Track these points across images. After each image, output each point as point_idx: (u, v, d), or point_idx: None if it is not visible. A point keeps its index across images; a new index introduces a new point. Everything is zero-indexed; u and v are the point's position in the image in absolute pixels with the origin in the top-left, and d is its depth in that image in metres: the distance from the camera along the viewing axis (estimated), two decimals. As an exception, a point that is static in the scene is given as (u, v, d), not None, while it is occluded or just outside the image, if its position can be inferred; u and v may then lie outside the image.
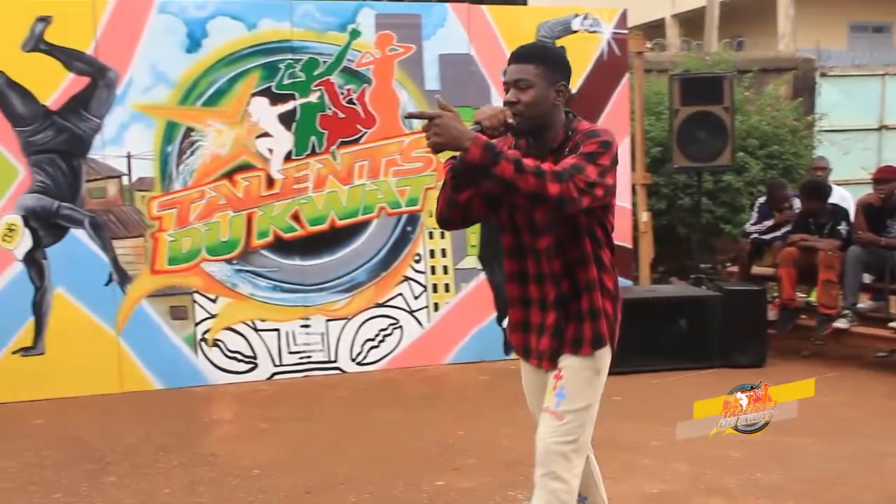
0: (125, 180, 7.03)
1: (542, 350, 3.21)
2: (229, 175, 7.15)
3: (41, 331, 6.93)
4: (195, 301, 7.17)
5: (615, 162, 3.04)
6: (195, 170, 7.10)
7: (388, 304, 7.56)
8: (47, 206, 6.88)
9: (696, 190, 9.06)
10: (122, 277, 7.02)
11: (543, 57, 3.15)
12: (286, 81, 7.24)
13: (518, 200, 2.92)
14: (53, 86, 6.83)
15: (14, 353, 6.93)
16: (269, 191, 7.23)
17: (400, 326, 7.59)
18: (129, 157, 7.00)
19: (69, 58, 6.86)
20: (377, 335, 7.56)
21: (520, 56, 3.15)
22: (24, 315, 6.92)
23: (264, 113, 7.20)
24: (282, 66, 7.23)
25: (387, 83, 7.48)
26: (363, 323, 7.50)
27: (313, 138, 7.31)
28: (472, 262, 7.74)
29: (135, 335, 7.06)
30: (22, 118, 6.80)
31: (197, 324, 7.17)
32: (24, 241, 6.86)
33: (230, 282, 7.20)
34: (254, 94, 7.18)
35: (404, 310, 7.59)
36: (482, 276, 7.74)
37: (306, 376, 7.38)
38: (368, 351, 7.54)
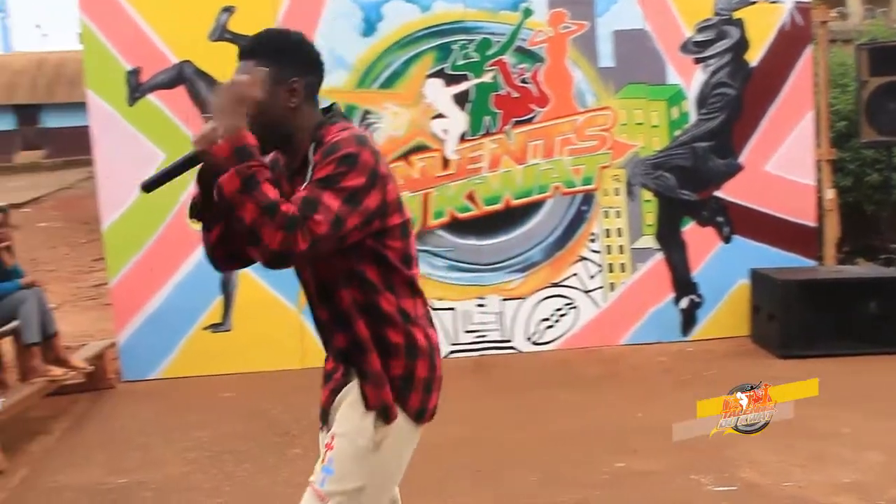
0: (307, 163, 7.22)
1: (322, 404, 2.62)
2: (405, 156, 7.26)
3: (229, 308, 7.25)
4: (373, 280, 7.30)
5: (375, 175, 2.34)
6: (372, 152, 7.22)
7: (563, 283, 7.52)
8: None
9: (885, 165, 8.61)
10: (303, 256, 7.22)
11: (266, 49, 2.48)
12: (460, 62, 7.28)
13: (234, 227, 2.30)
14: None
15: (204, 329, 7.28)
16: (444, 171, 7.30)
17: (575, 306, 7.54)
18: (309, 140, 7.19)
19: (252, 45, 7.09)
20: (552, 315, 7.53)
21: (241, 51, 2.52)
22: (212, 293, 7.24)
23: (439, 94, 7.26)
24: (455, 47, 7.27)
25: (560, 61, 7.41)
26: (538, 303, 7.49)
27: (487, 118, 7.33)
28: (648, 241, 7.59)
29: (316, 313, 7.26)
30: (208, 104, 7.09)
31: (375, 302, 7.31)
32: (213, 223, 7.15)
33: (406, 261, 7.30)
34: (428, 76, 7.26)
35: (579, 290, 7.54)
36: (659, 255, 7.59)
37: (482, 355, 7.43)
38: (544, 331, 7.52)
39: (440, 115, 7.29)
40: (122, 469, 5.42)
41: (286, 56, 2.48)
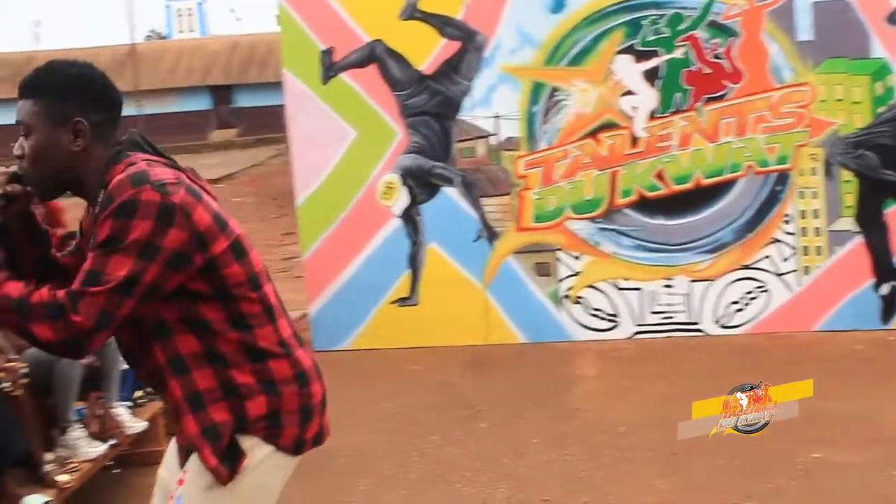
0: (493, 140, 7.28)
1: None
2: (593, 134, 7.18)
3: (416, 283, 7.38)
4: (558, 258, 7.30)
5: (163, 216, 2.09)
6: (560, 129, 7.19)
7: (754, 266, 7.27)
8: (422, 165, 7.28)
9: None
10: (490, 234, 7.29)
11: (44, 87, 2.24)
12: (650, 38, 7.12)
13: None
14: (428, 51, 7.19)
15: (392, 303, 7.44)
16: (632, 149, 7.18)
17: (767, 290, 7.28)
18: (496, 117, 7.23)
19: (441, 24, 7.18)
20: (742, 298, 7.30)
21: (19, 90, 2.27)
22: (400, 268, 7.40)
23: (628, 71, 7.14)
24: (646, 22, 7.12)
25: (755, 36, 7.14)
26: (728, 285, 7.27)
27: (678, 95, 7.15)
28: (847, 223, 7.23)
29: (501, 289, 7.32)
30: (399, 83, 7.23)
31: (560, 280, 7.31)
32: (402, 199, 7.31)
33: (593, 240, 7.26)
34: (617, 52, 7.13)
35: (772, 272, 7.27)
36: (858, 238, 7.23)
37: (668, 337, 7.29)
38: (733, 314, 7.31)
39: (629, 92, 7.16)
40: (315, 435, 5.61)
41: (67, 93, 2.24)
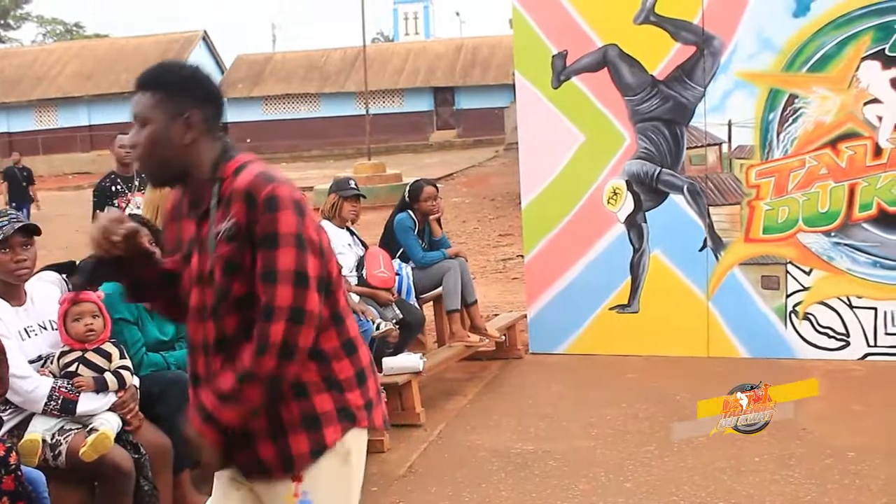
0: (724, 148, 7.08)
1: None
2: (832, 143, 6.85)
3: (636, 290, 7.29)
4: (788, 272, 7.03)
5: (300, 211, 2.31)
6: (796, 138, 6.91)
7: None
8: (650, 171, 7.18)
9: None
10: (717, 244, 7.11)
11: (161, 82, 2.41)
12: (901, 44, 6.74)
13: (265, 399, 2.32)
14: (661, 56, 7.08)
15: (610, 308, 7.38)
16: (875, 161, 6.81)
17: None
18: (729, 124, 7.04)
19: (677, 28, 7.05)
20: None
21: (135, 83, 2.45)
22: (622, 274, 7.32)
23: (875, 78, 6.77)
24: (897, 27, 6.74)
25: None
26: (974, 308, 6.80)
27: (929, 104, 6.73)
28: None
29: (724, 302, 7.12)
30: (630, 87, 7.15)
31: (788, 295, 7.03)
32: (627, 205, 7.24)
33: (826, 255, 6.94)
34: (864, 58, 6.78)
35: None
36: None
37: (903, 360, 6.89)
38: (977, 339, 6.82)
39: (874, 100, 6.79)
40: (529, 436, 5.65)
41: (182, 90, 2.41)
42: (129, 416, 4.05)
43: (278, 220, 2.28)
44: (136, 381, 4.23)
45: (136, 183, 6.97)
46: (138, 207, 6.38)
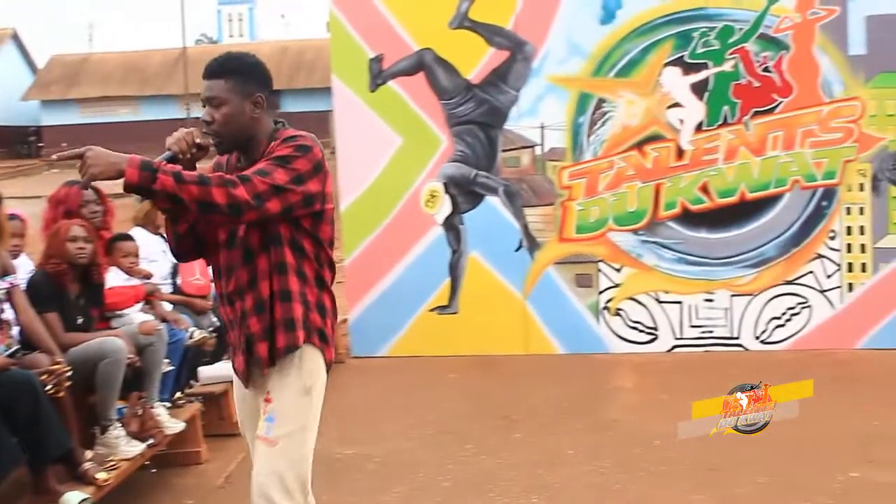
0: (538, 150, 7.27)
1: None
2: (639, 145, 7.16)
3: (456, 291, 7.40)
4: (600, 270, 7.28)
5: (318, 167, 2.92)
6: (605, 140, 7.18)
7: (797, 281, 7.21)
8: (466, 174, 7.30)
9: None
10: (532, 244, 7.29)
11: (233, 70, 3.00)
12: (700, 50, 7.09)
13: (192, 210, 2.77)
14: (476, 60, 7.22)
15: (431, 310, 7.45)
16: (678, 162, 7.15)
17: (809, 306, 7.21)
18: (542, 127, 7.23)
19: (490, 33, 7.20)
20: (784, 314, 7.23)
21: (209, 71, 3.02)
22: (441, 276, 7.41)
23: (676, 83, 7.11)
24: (696, 34, 7.09)
25: (806, 49, 7.08)
26: (770, 300, 7.21)
27: (726, 108, 7.10)
28: (894, 241, 7.15)
29: (541, 300, 7.31)
30: (446, 91, 7.26)
31: (601, 292, 7.28)
32: (445, 207, 7.33)
33: (635, 252, 7.23)
34: (666, 64, 7.11)
35: (815, 289, 7.20)
36: (906, 256, 7.14)
37: (707, 351, 7.24)
38: (773, 329, 7.24)
39: (677, 105, 7.13)
40: (350, 440, 5.63)
41: (252, 75, 3.02)
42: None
43: (290, 146, 2.92)
44: None
45: None
46: None
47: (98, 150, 2.74)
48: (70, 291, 4.65)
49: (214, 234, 3.07)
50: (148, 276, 5.63)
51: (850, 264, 7.18)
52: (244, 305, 3.00)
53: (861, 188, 7.11)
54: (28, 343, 4.34)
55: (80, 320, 4.66)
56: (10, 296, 4.33)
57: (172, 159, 2.87)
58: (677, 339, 7.28)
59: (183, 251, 3.18)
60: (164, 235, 6.47)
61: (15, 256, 4.74)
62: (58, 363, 4.15)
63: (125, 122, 43.76)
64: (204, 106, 3.02)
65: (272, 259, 2.97)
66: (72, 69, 45.87)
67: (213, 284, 6.37)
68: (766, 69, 7.07)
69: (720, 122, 7.11)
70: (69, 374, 4.15)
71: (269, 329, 2.97)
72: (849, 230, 7.17)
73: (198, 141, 2.92)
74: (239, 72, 2.99)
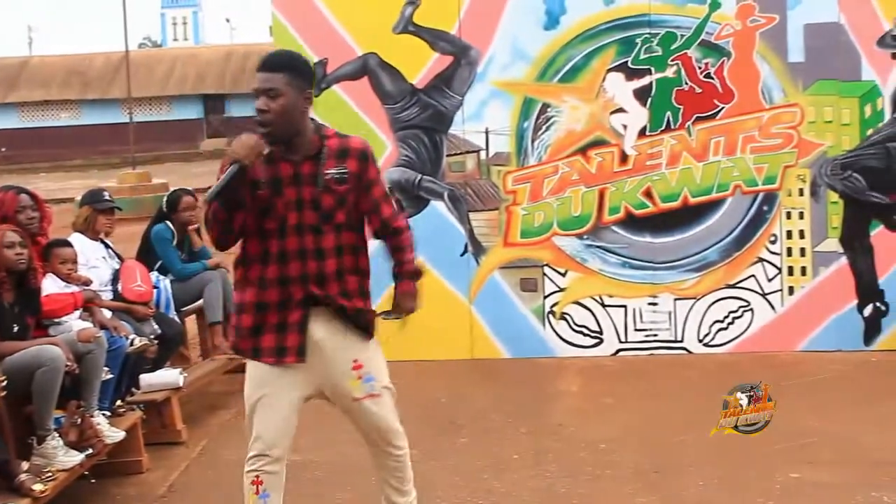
0: (483, 155, 7.28)
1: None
2: (583, 150, 7.19)
3: (400, 296, 7.34)
4: (545, 274, 7.30)
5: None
6: (549, 145, 7.21)
7: (739, 285, 7.29)
8: (411, 178, 7.28)
9: None
10: (477, 249, 7.29)
11: (292, 65, 3.30)
12: (642, 56, 7.14)
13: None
14: (420, 65, 7.21)
15: (375, 316, 7.38)
16: (621, 167, 7.19)
17: (751, 309, 7.29)
18: (487, 132, 7.25)
19: (434, 38, 7.19)
20: (726, 317, 7.31)
21: (269, 64, 3.28)
22: (385, 281, 7.32)
23: (620, 88, 7.15)
24: (639, 40, 7.13)
25: (747, 56, 7.17)
26: (712, 304, 7.28)
27: (668, 114, 7.16)
28: (832, 244, 7.26)
29: (486, 305, 7.32)
30: (391, 96, 7.23)
31: (546, 296, 7.31)
32: (390, 212, 7.29)
33: (580, 256, 7.26)
34: (609, 70, 7.15)
35: (756, 292, 7.28)
36: (843, 259, 7.25)
37: (651, 354, 7.29)
38: (716, 332, 7.31)
39: (620, 110, 7.18)
40: (295, 447, 5.52)
41: (306, 73, 3.34)
42: None
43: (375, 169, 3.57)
44: None
45: None
46: None
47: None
48: (4, 299, 4.56)
49: (275, 221, 3.38)
50: (87, 283, 5.55)
51: (790, 268, 7.28)
52: (336, 283, 3.59)
53: (801, 193, 7.21)
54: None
55: (15, 328, 4.57)
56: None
57: (241, 171, 3.17)
58: (622, 342, 7.33)
59: (227, 242, 3.45)
60: (105, 242, 6.40)
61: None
62: (-8, 373, 4.07)
63: (66, 126, 43.15)
64: (258, 97, 3.22)
65: (357, 243, 3.67)
66: (11, 72, 45.11)
67: (152, 288, 6.32)
68: (707, 75, 7.15)
69: (663, 128, 7.17)
70: (4, 383, 4.07)
71: (364, 301, 3.78)
72: (789, 234, 7.27)
73: (265, 152, 3.21)
74: (296, 68, 3.29)
